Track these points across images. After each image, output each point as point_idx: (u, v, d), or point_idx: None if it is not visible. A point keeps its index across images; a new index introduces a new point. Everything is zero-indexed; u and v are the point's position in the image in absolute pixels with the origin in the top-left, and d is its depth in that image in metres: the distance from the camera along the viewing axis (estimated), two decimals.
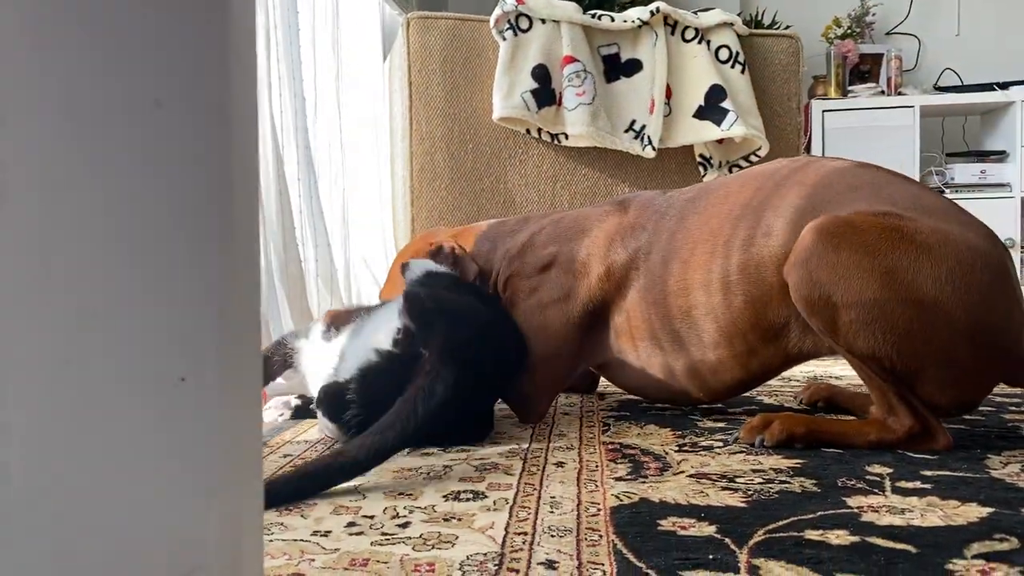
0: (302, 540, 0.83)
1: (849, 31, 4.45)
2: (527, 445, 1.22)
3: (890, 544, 0.77)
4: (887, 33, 4.69)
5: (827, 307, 1.11)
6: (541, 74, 2.18)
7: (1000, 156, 4.18)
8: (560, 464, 1.10)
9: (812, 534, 0.80)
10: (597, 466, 1.08)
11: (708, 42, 2.29)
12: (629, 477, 1.02)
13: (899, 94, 4.32)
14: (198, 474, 0.41)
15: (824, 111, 4.22)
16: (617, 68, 2.29)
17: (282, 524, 0.88)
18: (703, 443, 1.20)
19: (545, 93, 2.18)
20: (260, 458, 0.46)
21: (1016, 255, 4.04)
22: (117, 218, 0.39)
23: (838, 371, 1.87)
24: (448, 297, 1.25)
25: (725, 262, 1.25)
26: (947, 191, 4.16)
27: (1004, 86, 4.17)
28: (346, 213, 2.21)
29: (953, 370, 1.10)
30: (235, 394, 0.42)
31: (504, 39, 2.18)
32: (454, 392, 1.08)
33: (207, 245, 0.40)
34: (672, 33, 2.29)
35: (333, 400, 1.18)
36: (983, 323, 1.09)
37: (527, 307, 1.39)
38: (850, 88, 4.37)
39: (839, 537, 0.79)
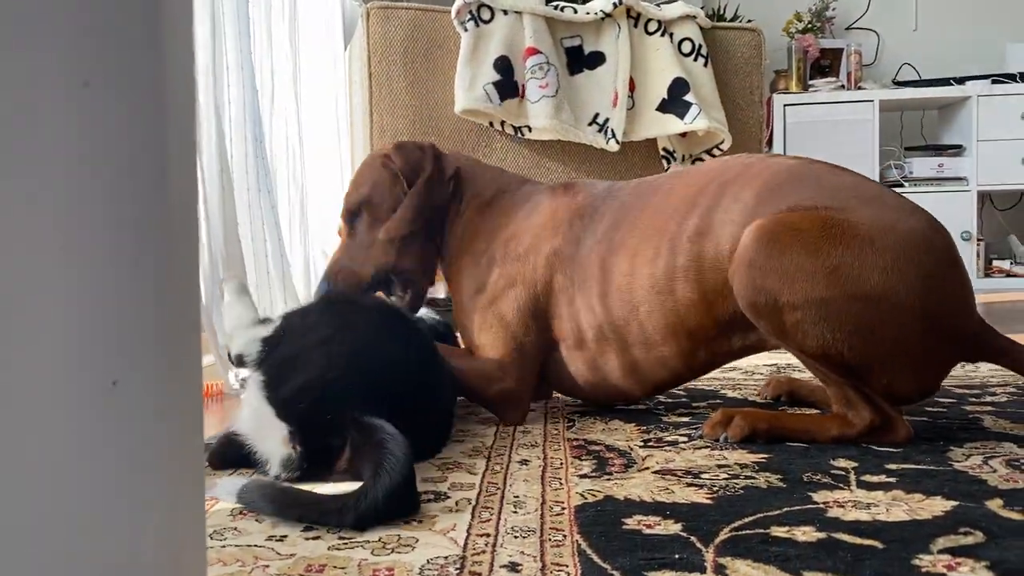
0: (256, 546, 0.80)
1: (810, 26, 4.49)
2: (491, 443, 1.19)
3: (856, 540, 0.76)
4: (847, 28, 4.74)
5: (774, 311, 1.10)
6: (503, 66, 2.16)
7: (957, 150, 4.25)
8: (524, 462, 1.08)
9: (778, 531, 0.79)
10: (562, 463, 1.07)
11: (671, 35, 2.28)
12: (594, 474, 1.01)
13: (859, 88, 4.37)
14: (133, 485, 0.38)
15: (785, 105, 4.25)
16: (580, 60, 2.27)
17: (236, 529, 0.85)
18: (668, 438, 1.19)
19: (508, 85, 2.16)
20: (201, 467, 0.43)
21: (972, 247, 4.11)
22: (41, 207, 0.36)
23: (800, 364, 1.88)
24: (328, 377, 1.01)
25: (671, 259, 1.23)
26: (906, 184, 4.21)
27: (960, 81, 4.23)
28: (305, 206, 2.17)
29: (909, 357, 1.10)
30: (173, 399, 0.40)
31: (466, 30, 2.16)
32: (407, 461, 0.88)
33: (141, 236, 0.37)
34: (635, 25, 2.28)
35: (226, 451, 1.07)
36: (933, 306, 1.09)
37: (479, 304, 1.36)
38: (811, 82, 4.41)
39: (805, 534, 0.78)
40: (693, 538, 0.78)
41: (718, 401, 1.47)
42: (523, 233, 1.37)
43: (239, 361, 1.10)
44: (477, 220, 1.42)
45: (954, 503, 0.87)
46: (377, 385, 1.03)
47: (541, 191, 1.44)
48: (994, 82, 4.18)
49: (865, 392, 1.12)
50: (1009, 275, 4.31)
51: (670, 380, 1.32)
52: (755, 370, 1.82)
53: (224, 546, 0.80)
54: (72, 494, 0.36)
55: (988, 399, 1.42)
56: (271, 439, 1.00)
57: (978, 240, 4.21)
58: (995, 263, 4.37)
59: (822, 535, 0.78)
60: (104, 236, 0.37)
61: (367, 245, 1.43)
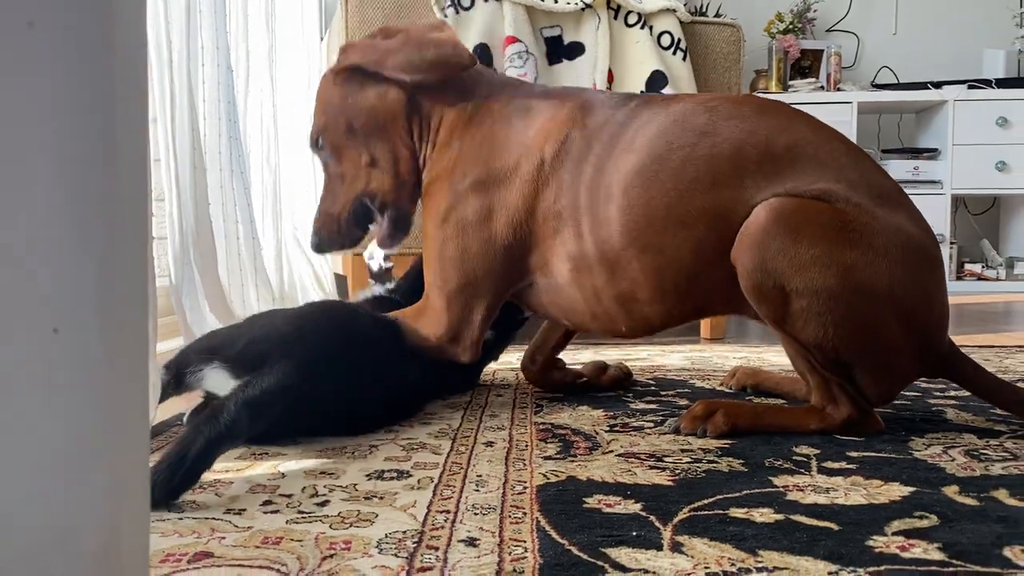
0: (213, 518, 0.79)
1: (791, 27, 4.51)
2: (457, 425, 1.19)
3: (813, 522, 0.77)
4: (827, 30, 4.77)
5: (779, 295, 1.08)
6: (482, 54, 2.15)
7: (932, 154, 4.29)
8: (489, 444, 1.08)
9: (737, 512, 0.80)
10: (527, 445, 1.07)
11: (651, 27, 2.29)
12: (558, 456, 1.01)
13: (838, 90, 4.40)
14: (72, 436, 0.37)
15: None
16: (559, 51, 2.27)
17: (194, 502, 0.84)
18: (634, 424, 1.19)
19: None
20: (147, 420, 0.42)
21: (945, 250, 4.16)
22: None
23: (771, 357, 1.89)
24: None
25: (685, 199, 1.15)
26: None
27: (938, 85, 4.27)
28: (278, 189, 2.15)
29: (890, 363, 1.12)
30: (117, 348, 0.39)
31: (445, 16, 2.15)
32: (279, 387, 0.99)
33: (85, 178, 0.36)
34: (615, 17, 2.28)
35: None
36: (922, 321, 1.12)
37: (441, 236, 1.24)
38: (791, 83, 4.43)
39: (763, 515, 0.79)
40: (652, 517, 0.78)
41: (686, 390, 1.48)
42: (509, 152, 1.23)
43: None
44: (457, 139, 1.27)
45: (911, 489, 0.88)
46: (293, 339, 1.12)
47: (538, 101, 1.27)
48: (970, 87, 4.22)
49: (847, 387, 1.13)
50: (980, 278, 4.36)
51: (666, 320, 1.24)
52: (725, 361, 1.83)
53: (181, 518, 0.79)
54: (12, 432, 0.35)
55: (952, 393, 1.44)
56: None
57: (951, 243, 4.25)
58: (967, 266, 4.42)
59: (780, 516, 0.78)
60: (47, 183, 0.36)
61: (337, 178, 1.32)
